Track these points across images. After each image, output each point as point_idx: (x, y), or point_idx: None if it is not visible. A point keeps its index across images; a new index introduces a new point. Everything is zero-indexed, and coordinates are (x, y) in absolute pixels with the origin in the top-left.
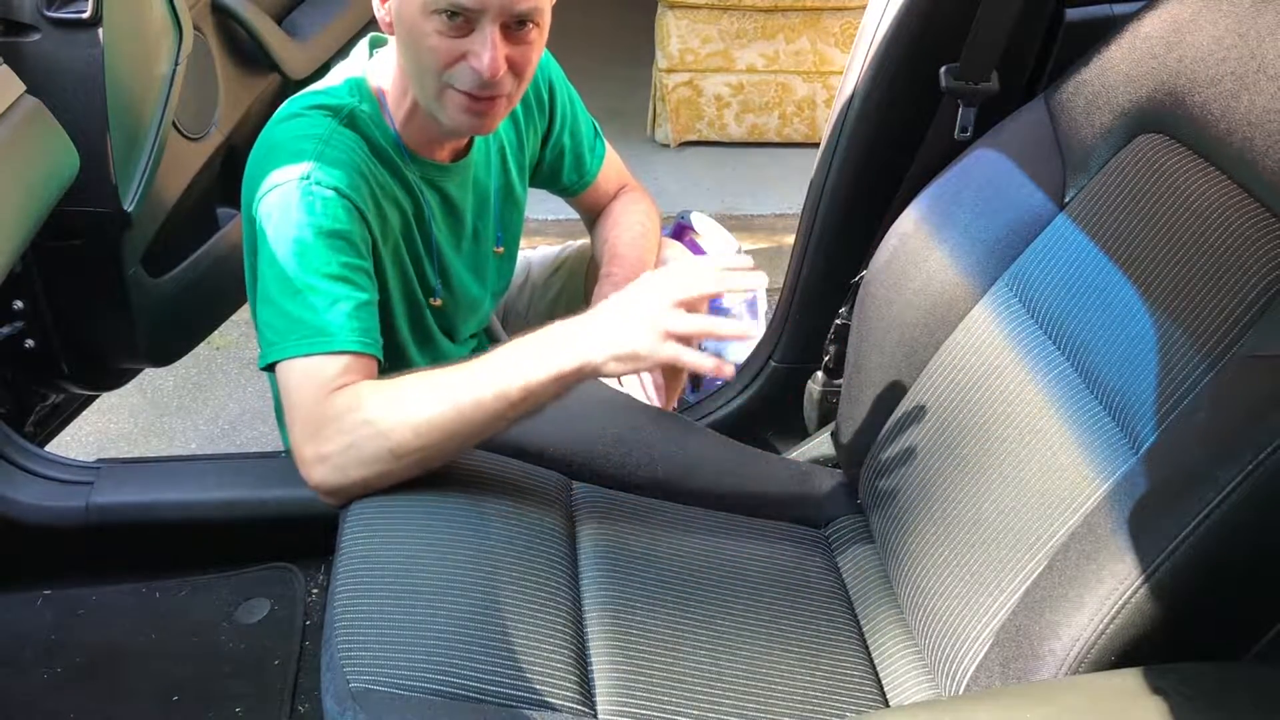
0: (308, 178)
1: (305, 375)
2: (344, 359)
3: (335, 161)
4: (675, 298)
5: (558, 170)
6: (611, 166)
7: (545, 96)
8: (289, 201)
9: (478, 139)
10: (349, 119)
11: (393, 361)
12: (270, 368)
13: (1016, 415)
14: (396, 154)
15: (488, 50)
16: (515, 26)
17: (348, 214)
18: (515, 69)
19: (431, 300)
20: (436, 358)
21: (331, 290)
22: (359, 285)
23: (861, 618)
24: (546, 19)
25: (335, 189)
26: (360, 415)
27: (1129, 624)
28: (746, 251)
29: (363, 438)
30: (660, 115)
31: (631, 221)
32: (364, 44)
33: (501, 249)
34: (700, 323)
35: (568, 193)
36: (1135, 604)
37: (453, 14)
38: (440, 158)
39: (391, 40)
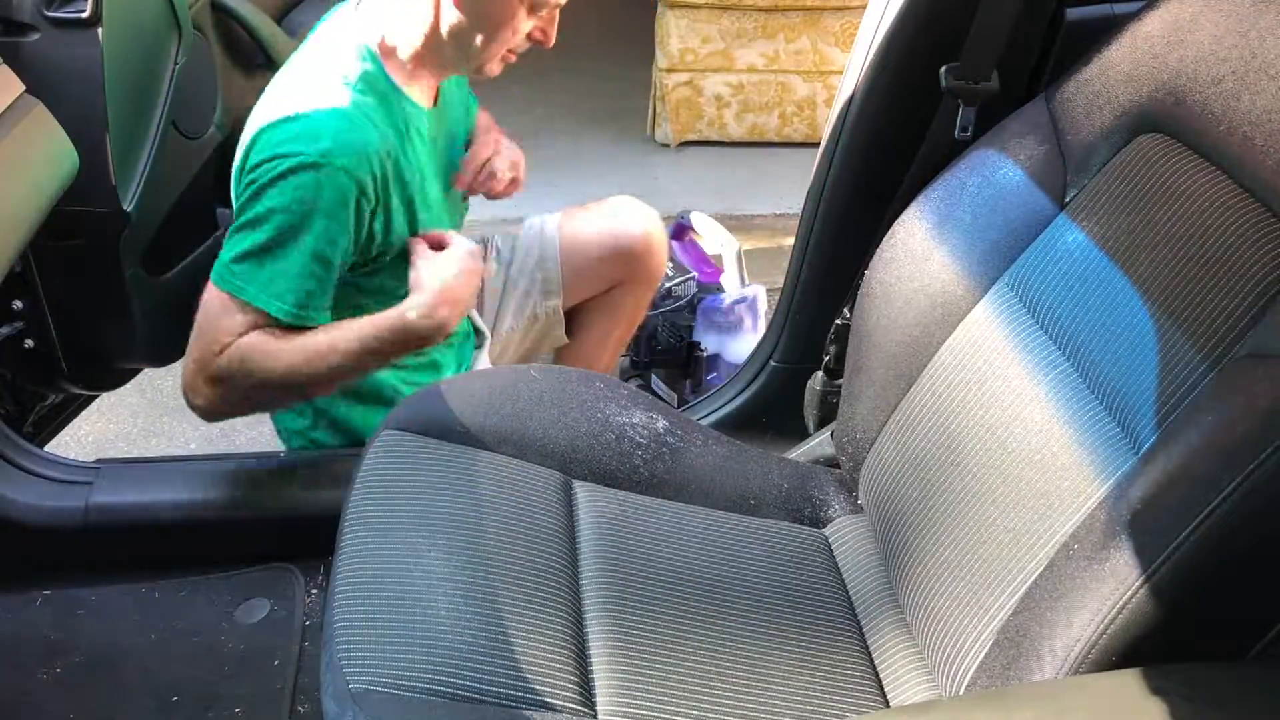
0: (334, 156)
1: (229, 310)
2: (269, 319)
3: (358, 141)
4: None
5: None
6: None
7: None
8: (313, 179)
9: (441, 92)
10: (362, 83)
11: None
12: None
13: (1017, 415)
14: (396, 102)
15: (554, 29)
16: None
17: (357, 201)
18: None
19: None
20: None
21: (312, 268)
22: (336, 268)
23: (862, 618)
24: None
25: (353, 174)
26: (243, 376)
27: (1130, 624)
28: (746, 251)
29: (239, 392)
30: (660, 115)
31: None
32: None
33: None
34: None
35: None
36: (1136, 604)
37: (542, 6)
38: (424, 103)
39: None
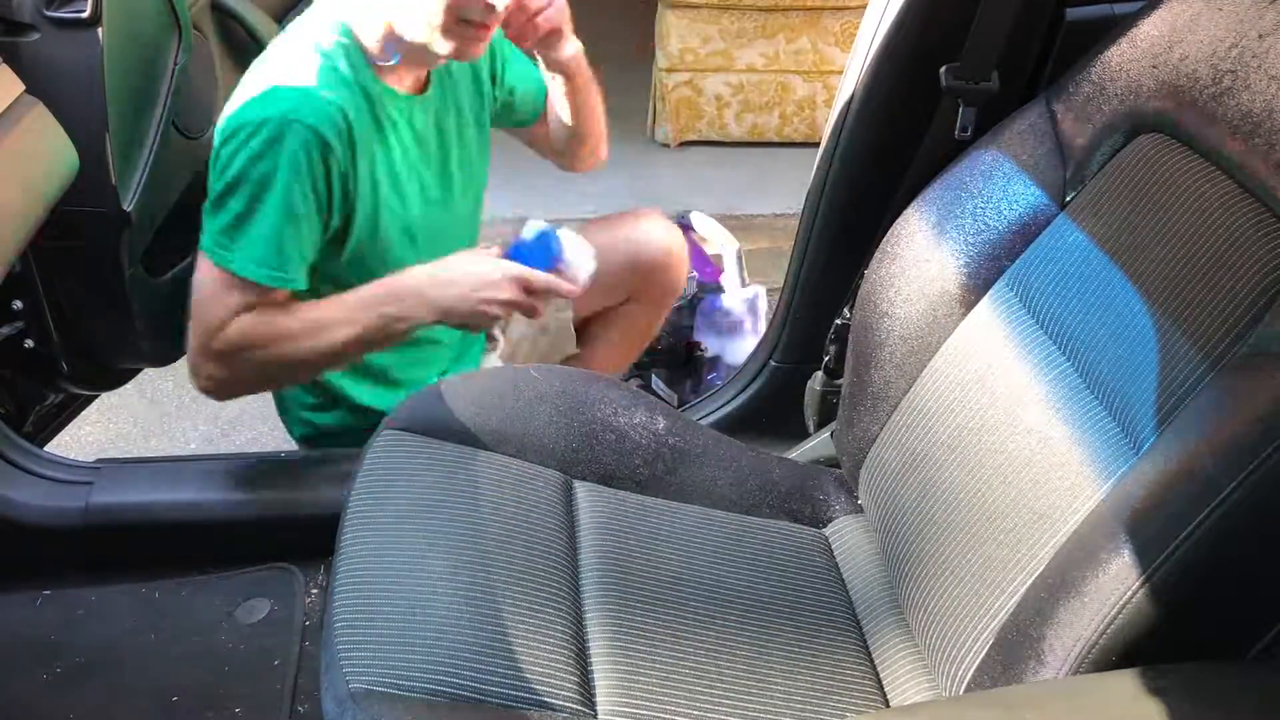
0: (295, 113)
1: (219, 286)
2: (257, 288)
3: (321, 99)
4: (510, 275)
5: (511, 104)
6: None
7: None
8: (273, 135)
9: (434, 77)
10: (334, 52)
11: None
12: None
13: (1017, 415)
14: (371, 85)
15: None
16: None
17: (321, 155)
18: None
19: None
20: None
21: (284, 228)
22: (310, 225)
23: (862, 618)
24: None
25: (315, 129)
26: (245, 351)
27: (1130, 624)
28: (746, 251)
29: (244, 369)
30: (660, 115)
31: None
32: None
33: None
34: (518, 290)
35: (527, 123)
36: (1136, 604)
37: None
38: (404, 89)
39: None
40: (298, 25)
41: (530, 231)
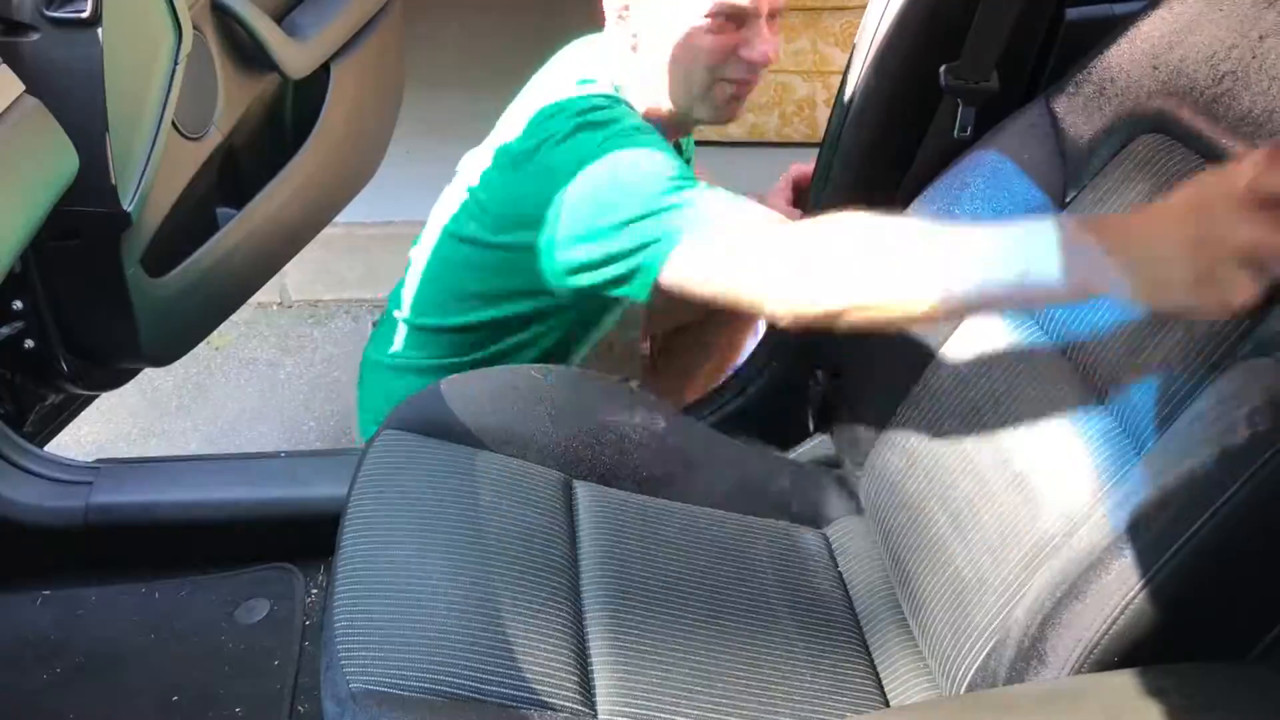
0: (640, 128)
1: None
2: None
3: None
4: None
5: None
6: None
7: None
8: (627, 140)
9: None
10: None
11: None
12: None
13: (1018, 416)
14: None
15: (765, 42)
16: (770, 18)
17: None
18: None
19: None
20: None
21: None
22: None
23: (862, 618)
24: None
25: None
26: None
27: (1131, 625)
28: None
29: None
30: None
31: None
32: (583, 52)
33: None
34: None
35: None
36: (1137, 605)
37: (727, 16)
38: None
39: (610, 44)
40: (567, 68)
41: None
